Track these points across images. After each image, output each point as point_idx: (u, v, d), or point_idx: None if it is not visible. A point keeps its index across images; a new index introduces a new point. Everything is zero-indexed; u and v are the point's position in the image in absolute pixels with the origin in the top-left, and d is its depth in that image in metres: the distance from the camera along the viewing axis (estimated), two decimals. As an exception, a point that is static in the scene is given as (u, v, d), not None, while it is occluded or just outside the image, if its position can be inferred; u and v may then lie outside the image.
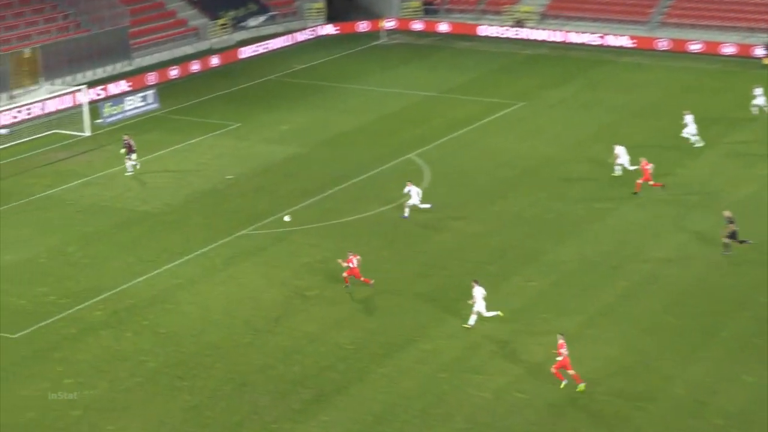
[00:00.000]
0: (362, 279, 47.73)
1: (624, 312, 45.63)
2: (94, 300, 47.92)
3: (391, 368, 41.43)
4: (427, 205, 55.63)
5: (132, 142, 64.07)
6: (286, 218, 54.03)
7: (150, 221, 57.23)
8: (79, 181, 63.77)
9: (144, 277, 50.01)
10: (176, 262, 51.43)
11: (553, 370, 39.32)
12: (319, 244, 53.23)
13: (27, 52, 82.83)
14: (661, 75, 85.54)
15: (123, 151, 64.16)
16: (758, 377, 40.25)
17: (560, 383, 39.21)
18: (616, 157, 60.20)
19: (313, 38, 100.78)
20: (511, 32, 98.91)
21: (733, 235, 50.11)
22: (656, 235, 53.57)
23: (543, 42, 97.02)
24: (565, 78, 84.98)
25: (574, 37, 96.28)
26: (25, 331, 45.35)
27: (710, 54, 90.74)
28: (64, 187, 62.92)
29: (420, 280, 49.09)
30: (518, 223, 55.41)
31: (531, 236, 53.65)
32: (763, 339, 42.97)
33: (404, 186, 56.17)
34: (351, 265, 47.60)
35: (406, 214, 55.42)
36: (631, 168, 59.35)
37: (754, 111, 71.33)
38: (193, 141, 70.62)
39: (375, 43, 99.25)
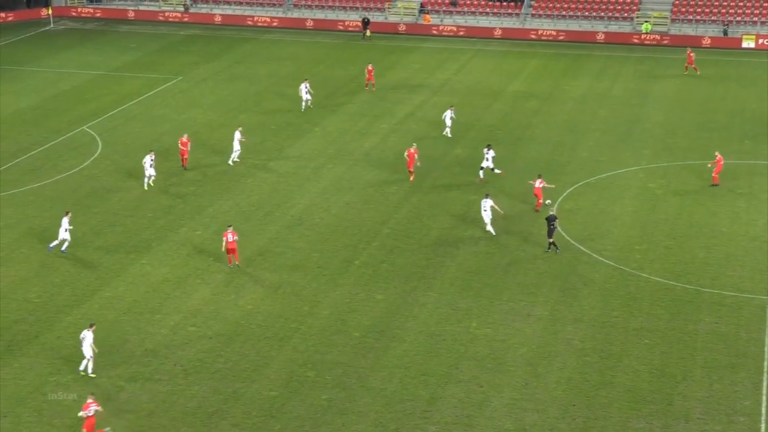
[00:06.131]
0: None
1: (275, 252, 46.27)
2: None
3: (78, 316, 40.20)
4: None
5: None
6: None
7: None
8: None
9: None
10: None
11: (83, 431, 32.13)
12: (1, 212, 50.64)
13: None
14: (298, 49, 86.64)
15: None
16: (386, 294, 42.04)
17: None
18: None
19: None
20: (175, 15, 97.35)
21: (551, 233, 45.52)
22: (299, 185, 54.53)
23: (196, 23, 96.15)
24: (215, 54, 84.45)
25: (227, 19, 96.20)
26: None
27: (331, 30, 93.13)
28: None
29: (100, 236, 47.71)
30: (184, 181, 54.83)
31: (193, 193, 53.25)
32: (388, 263, 44.84)
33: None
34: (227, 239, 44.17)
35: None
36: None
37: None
38: None
39: (45, 29, 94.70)
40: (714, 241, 46.80)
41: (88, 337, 35.83)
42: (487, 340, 38.22)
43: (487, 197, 47.57)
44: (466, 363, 36.78)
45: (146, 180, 53.57)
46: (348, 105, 69.19)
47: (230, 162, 57.16)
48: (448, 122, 61.57)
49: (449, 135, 61.50)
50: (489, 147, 53.88)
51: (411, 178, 53.81)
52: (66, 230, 45.55)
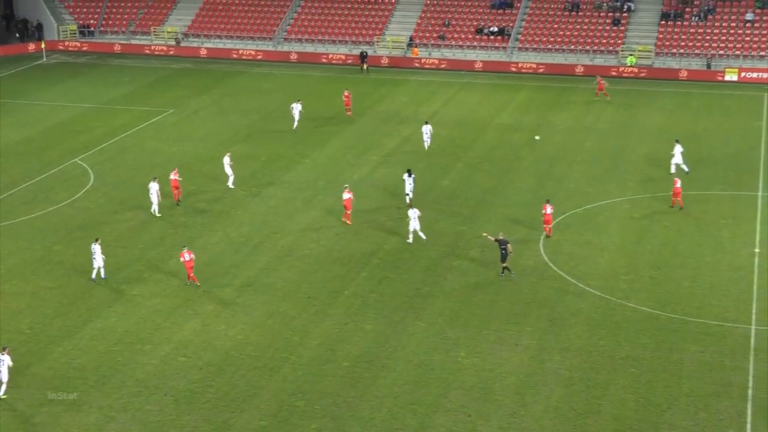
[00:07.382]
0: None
1: (265, 283, 46.52)
2: None
3: (69, 347, 40.30)
4: None
5: None
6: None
7: None
8: None
9: None
10: None
11: None
12: (-3, 243, 50.90)
13: None
14: (287, 82, 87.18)
15: None
16: (375, 324, 42.26)
17: None
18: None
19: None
20: (161, 49, 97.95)
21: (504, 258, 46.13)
22: (289, 216, 54.83)
23: (183, 56, 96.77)
24: (205, 88, 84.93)
25: (213, 53, 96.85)
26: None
27: (316, 63, 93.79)
28: None
29: (91, 267, 47.83)
30: (173, 212, 55.09)
31: (184, 224, 53.51)
32: (377, 294, 45.10)
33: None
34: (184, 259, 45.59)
35: None
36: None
37: None
38: None
39: (38, 62, 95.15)
40: (698, 271, 47.21)
41: (6, 360, 36.34)
42: (475, 369, 38.45)
43: (412, 207, 50.93)
44: (454, 392, 36.99)
45: (153, 207, 54.34)
46: (337, 137, 69.65)
47: (230, 185, 58.44)
48: (426, 138, 65.01)
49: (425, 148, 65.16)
50: (409, 173, 55.73)
51: (347, 221, 53.39)
52: (102, 258, 46.20)
